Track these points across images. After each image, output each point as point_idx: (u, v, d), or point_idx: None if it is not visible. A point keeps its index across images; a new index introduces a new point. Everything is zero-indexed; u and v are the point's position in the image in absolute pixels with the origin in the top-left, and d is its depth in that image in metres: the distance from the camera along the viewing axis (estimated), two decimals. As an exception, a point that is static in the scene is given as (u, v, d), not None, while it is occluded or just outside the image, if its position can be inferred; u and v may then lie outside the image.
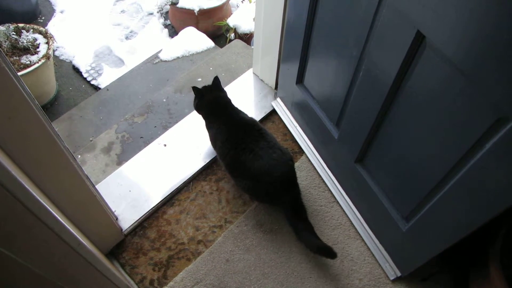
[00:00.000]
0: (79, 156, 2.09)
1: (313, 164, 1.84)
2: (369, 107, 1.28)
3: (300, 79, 1.74)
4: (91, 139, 2.34)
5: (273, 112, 2.04)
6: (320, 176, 1.81)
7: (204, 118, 1.77)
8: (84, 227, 1.31)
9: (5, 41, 2.49)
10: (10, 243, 0.77)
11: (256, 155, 1.56)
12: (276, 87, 2.06)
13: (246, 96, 2.11)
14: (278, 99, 2.03)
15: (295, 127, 1.93)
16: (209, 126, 1.76)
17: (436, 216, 1.19)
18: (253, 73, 2.18)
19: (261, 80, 2.14)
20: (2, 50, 2.29)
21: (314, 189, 1.80)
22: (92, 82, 2.91)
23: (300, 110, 1.84)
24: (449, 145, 1.04)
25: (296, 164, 1.85)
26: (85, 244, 1.12)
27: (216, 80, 1.75)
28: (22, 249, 0.82)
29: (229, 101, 1.75)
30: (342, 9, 1.27)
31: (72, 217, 1.22)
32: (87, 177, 1.34)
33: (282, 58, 1.84)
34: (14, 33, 2.52)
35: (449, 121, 1.01)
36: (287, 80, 1.84)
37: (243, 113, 1.73)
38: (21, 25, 2.60)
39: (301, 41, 1.57)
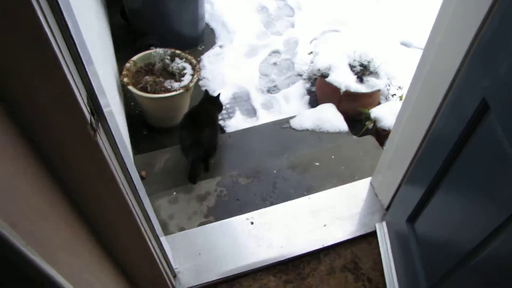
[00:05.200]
0: (174, 193, 2.10)
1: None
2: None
3: (412, 218, 1.51)
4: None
5: (373, 234, 1.83)
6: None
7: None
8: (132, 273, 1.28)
9: (159, 62, 2.65)
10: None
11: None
12: (388, 208, 1.84)
13: (353, 204, 1.93)
14: (384, 224, 1.81)
15: (389, 261, 1.69)
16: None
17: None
18: (370, 183, 1.99)
19: (376, 194, 1.94)
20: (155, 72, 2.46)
21: None
22: (220, 122, 2.96)
23: (402, 248, 1.61)
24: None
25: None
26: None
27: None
28: None
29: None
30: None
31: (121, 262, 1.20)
32: (152, 228, 1.30)
33: (405, 182, 1.62)
34: (169, 57, 2.68)
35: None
36: (400, 210, 1.62)
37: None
38: (177, 51, 2.78)
39: (433, 175, 1.34)
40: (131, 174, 1.10)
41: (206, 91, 2.64)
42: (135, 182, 1.12)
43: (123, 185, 1.03)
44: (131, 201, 1.10)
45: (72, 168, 0.88)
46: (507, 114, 0.92)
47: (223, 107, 3.01)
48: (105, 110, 0.93)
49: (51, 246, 0.76)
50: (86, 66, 0.81)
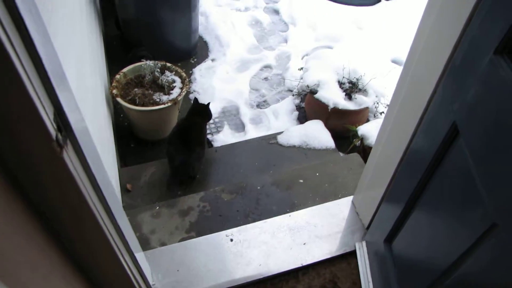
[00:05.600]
0: (157, 207, 2.09)
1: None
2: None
3: (389, 238, 1.50)
4: (179, 192, 2.35)
5: (353, 254, 1.81)
6: None
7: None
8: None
9: (149, 75, 2.66)
10: None
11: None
12: (368, 227, 1.83)
13: (334, 223, 1.91)
14: (364, 243, 1.80)
15: (368, 282, 1.67)
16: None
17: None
18: (352, 201, 1.98)
19: (357, 213, 1.93)
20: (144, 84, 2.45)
21: None
22: (208, 136, 2.96)
23: (380, 269, 1.60)
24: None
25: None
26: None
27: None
28: None
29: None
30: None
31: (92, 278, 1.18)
32: (126, 244, 1.29)
33: (384, 202, 1.62)
34: (159, 70, 2.69)
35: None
36: (379, 230, 1.61)
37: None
38: (168, 64, 2.78)
39: (408, 195, 1.32)
40: (103, 190, 1.09)
41: (196, 99, 2.58)
42: (107, 198, 1.11)
43: (92, 201, 1.02)
44: (101, 217, 1.09)
45: (38, 184, 0.88)
46: (473, 140, 0.92)
47: (212, 118, 3.03)
48: (77, 125, 0.93)
49: (9, 262, 0.75)
50: (53, 81, 0.81)
